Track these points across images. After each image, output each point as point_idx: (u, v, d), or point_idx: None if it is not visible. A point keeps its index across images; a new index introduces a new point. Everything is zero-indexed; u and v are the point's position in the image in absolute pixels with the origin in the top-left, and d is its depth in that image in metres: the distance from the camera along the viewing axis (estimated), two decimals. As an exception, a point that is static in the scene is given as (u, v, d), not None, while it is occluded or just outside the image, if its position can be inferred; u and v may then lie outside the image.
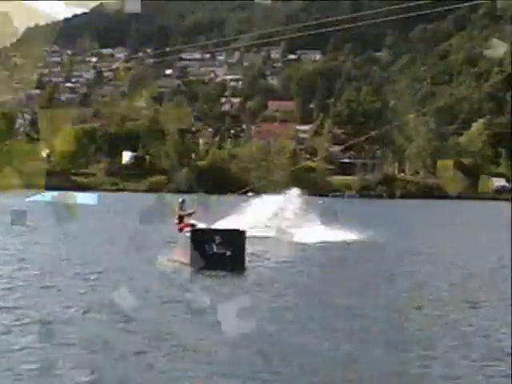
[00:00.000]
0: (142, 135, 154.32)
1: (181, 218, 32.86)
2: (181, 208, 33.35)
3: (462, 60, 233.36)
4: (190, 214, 33.23)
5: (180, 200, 34.32)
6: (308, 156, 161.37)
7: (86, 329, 16.07)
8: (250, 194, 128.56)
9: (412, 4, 28.32)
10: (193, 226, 31.52)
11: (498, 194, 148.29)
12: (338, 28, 34.53)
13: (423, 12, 28.42)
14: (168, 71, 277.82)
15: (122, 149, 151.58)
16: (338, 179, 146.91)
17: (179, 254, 28.97)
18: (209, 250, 28.13)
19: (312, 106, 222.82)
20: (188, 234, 28.72)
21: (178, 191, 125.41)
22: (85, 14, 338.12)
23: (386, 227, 48.84)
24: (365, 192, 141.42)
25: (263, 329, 16.42)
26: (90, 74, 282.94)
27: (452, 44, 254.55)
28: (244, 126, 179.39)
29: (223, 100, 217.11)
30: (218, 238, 28.38)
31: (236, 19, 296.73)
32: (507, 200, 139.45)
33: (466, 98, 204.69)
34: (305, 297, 21.23)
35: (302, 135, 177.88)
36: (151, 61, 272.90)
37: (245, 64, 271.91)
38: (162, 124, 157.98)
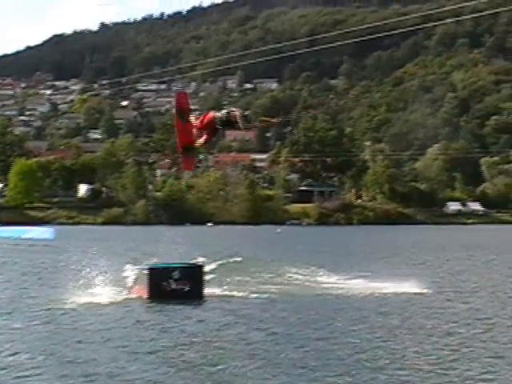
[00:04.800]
0: (98, 168, 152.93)
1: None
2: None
3: (417, 86, 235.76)
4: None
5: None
6: (265, 185, 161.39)
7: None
8: (209, 223, 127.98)
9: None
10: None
11: (454, 218, 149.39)
12: (293, 53, 34.25)
13: (378, 35, 28.28)
14: (124, 103, 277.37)
15: (78, 182, 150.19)
16: (295, 207, 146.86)
17: (138, 291, 28.57)
18: (167, 287, 27.81)
19: (269, 134, 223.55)
20: (146, 272, 28.25)
21: (136, 223, 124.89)
22: (38, 46, 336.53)
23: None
24: (323, 219, 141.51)
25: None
26: (44, 107, 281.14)
27: (406, 71, 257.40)
28: (201, 157, 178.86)
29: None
30: (175, 274, 28.06)
31: (192, 50, 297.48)
32: (463, 224, 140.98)
33: (422, 124, 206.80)
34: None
35: (259, 164, 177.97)
36: (107, 92, 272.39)
37: (201, 94, 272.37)
38: (118, 156, 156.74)
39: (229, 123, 17.30)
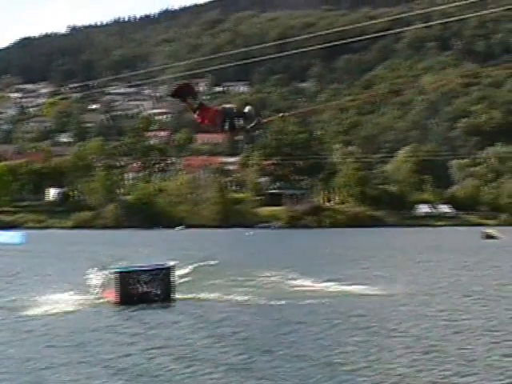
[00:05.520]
0: (67, 171, 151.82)
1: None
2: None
3: (387, 89, 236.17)
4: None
5: None
6: (236, 188, 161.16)
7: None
8: (177, 227, 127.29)
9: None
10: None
11: (424, 220, 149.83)
12: (264, 58, 34.10)
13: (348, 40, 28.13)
14: (94, 106, 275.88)
15: (48, 185, 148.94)
16: (266, 210, 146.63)
17: (107, 295, 28.30)
18: (136, 290, 27.60)
19: (238, 137, 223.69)
20: (115, 275, 27.95)
21: (106, 227, 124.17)
22: (6, 48, 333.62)
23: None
24: (293, 222, 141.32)
25: None
26: (12, 110, 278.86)
27: (376, 74, 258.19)
28: (172, 160, 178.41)
29: (150, 134, 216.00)
30: (145, 277, 27.88)
31: (162, 53, 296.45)
32: (433, 226, 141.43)
33: (391, 126, 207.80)
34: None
35: (229, 167, 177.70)
36: (78, 95, 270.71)
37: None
38: (88, 159, 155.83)
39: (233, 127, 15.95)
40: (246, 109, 15.37)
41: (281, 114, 16.25)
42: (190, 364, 16.89)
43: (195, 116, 15.58)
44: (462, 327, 22.31)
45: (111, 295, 27.88)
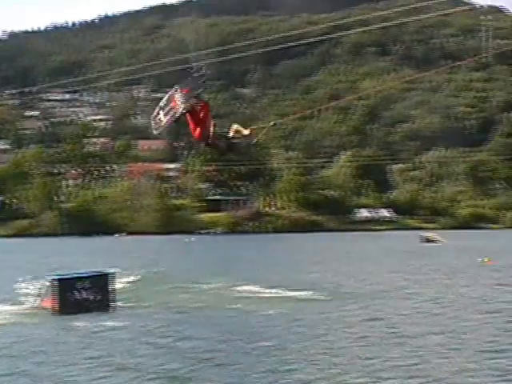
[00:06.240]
0: (5, 179, 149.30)
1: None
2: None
3: (327, 95, 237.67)
4: None
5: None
6: (176, 194, 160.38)
7: None
8: (117, 234, 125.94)
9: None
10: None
11: (364, 225, 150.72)
12: (204, 63, 33.77)
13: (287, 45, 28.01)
14: (31, 112, 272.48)
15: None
16: (207, 216, 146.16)
17: (48, 303, 27.69)
18: (76, 297, 27.12)
19: (181, 143, 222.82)
20: (54, 283, 27.36)
21: (45, 235, 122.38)
22: None
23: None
24: (234, 228, 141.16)
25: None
26: None
27: (316, 79, 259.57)
28: (112, 167, 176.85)
29: (90, 140, 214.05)
30: (84, 284, 27.44)
31: (101, 59, 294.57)
32: (373, 230, 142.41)
33: (331, 131, 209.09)
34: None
35: (170, 173, 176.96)
36: (15, 102, 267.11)
37: (112, 103, 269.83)
38: (26, 166, 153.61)
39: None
40: (232, 131, 13.96)
41: (272, 123, 15.37)
42: (132, 374, 16.46)
43: (187, 116, 14.83)
44: (405, 331, 22.25)
45: (49, 303, 27.27)
